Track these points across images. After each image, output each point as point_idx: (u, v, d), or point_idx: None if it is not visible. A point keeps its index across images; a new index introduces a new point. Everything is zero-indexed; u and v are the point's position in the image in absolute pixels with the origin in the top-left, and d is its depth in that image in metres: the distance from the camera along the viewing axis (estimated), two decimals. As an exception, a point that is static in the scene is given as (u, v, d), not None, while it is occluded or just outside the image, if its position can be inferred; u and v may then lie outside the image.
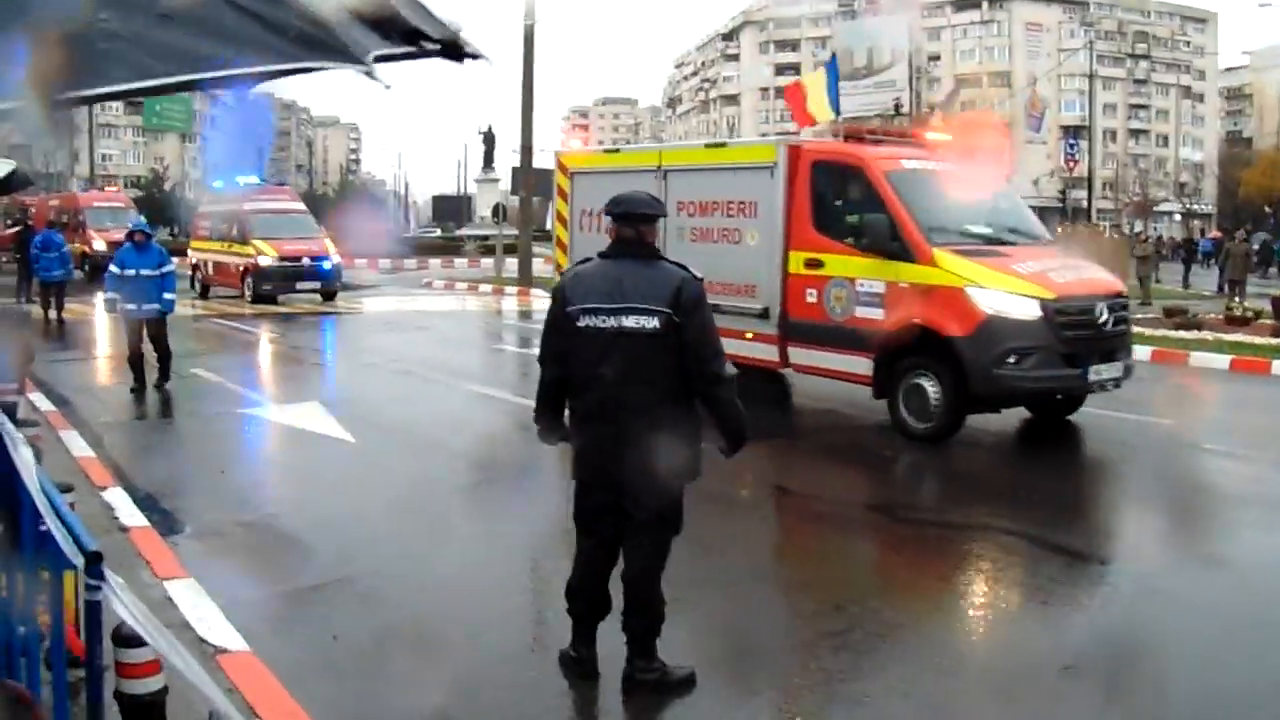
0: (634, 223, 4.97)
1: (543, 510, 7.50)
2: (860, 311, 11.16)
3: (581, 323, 4.84)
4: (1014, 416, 11.57)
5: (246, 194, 28.41)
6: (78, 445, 9.70)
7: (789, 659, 5.58)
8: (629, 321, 4.79)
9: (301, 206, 30.18)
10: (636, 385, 4.81)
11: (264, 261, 25.86)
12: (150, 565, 6.49)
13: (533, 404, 5.18)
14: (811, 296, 11.61)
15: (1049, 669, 5.41)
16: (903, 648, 5.75)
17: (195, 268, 28.78)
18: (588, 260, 5.09)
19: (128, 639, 3.24)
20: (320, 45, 1.87)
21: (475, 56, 2.22)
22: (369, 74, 1.92)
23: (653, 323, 4.78)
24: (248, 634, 5.44)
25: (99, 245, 31.14)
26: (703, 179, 12.83)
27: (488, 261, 39.85)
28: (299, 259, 26.11)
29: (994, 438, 11.29)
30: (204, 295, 27.78)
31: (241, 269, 26.52)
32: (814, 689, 5.20)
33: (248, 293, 26.09)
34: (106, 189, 47.20)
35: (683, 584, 5.52)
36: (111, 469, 8.96)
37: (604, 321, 4.81)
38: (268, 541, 7.35)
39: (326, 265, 26.57)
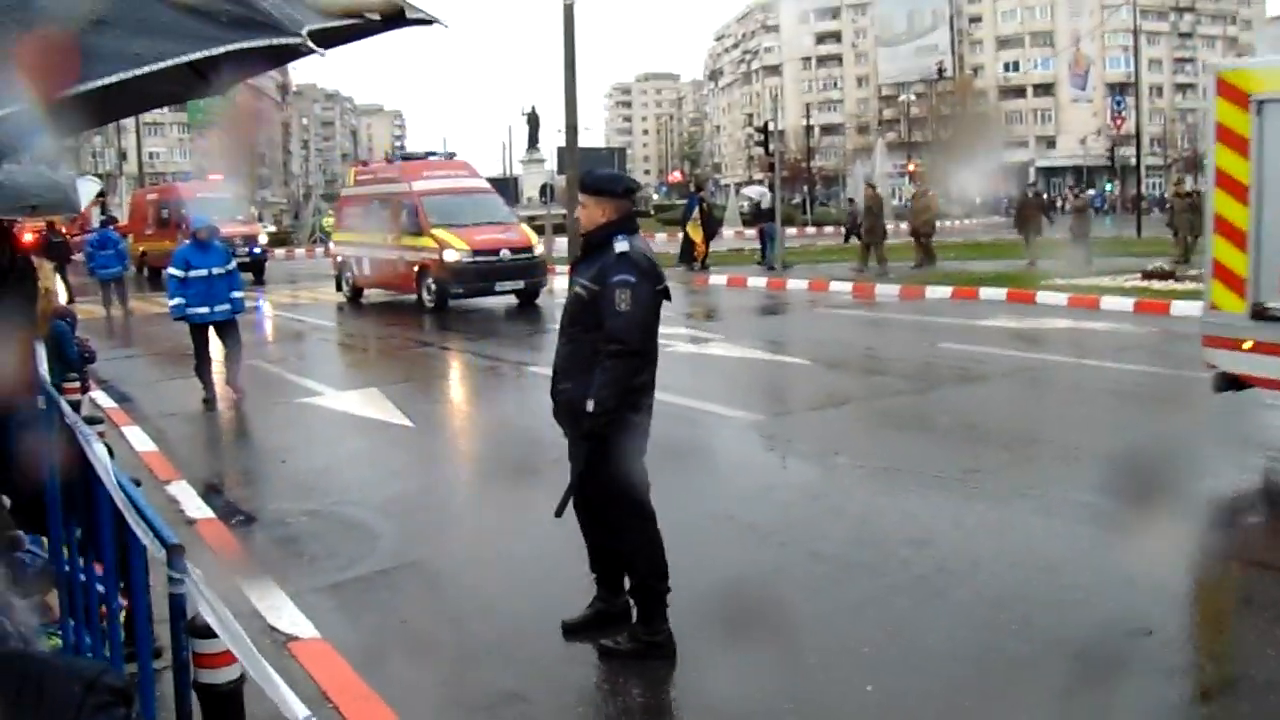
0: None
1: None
2: None
3: (666, 298, 4.98)
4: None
5: (409, 169, 22.99)
6: (140, 440, 9.84)
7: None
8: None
9: (485, 184, 24.00)
10: None
11: (451, 257, 20.16)
12: (219, 556, 6.56)
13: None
14: None
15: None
16: None
17: (342, 266, 23.82)
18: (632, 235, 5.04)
19: (203, 629, 3.27)
20: (252, 25, 1.90)
21: (425, 22, 2.24)
22: (303, 47, 1.94)
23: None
24: (318, 621, 5.48)
25: None
26: None
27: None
28: (497, 252, 20.46)
29: None
30: (356, 298, 23.27)
31: (416, 267, 20.95)
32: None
33: (427, 296, 20.73)
34: (209, 177, 39.29)
35: None
36: (175, 462, 9.06)
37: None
38: (333, 528, 7.39)
39: (531, 259, 21.06)
